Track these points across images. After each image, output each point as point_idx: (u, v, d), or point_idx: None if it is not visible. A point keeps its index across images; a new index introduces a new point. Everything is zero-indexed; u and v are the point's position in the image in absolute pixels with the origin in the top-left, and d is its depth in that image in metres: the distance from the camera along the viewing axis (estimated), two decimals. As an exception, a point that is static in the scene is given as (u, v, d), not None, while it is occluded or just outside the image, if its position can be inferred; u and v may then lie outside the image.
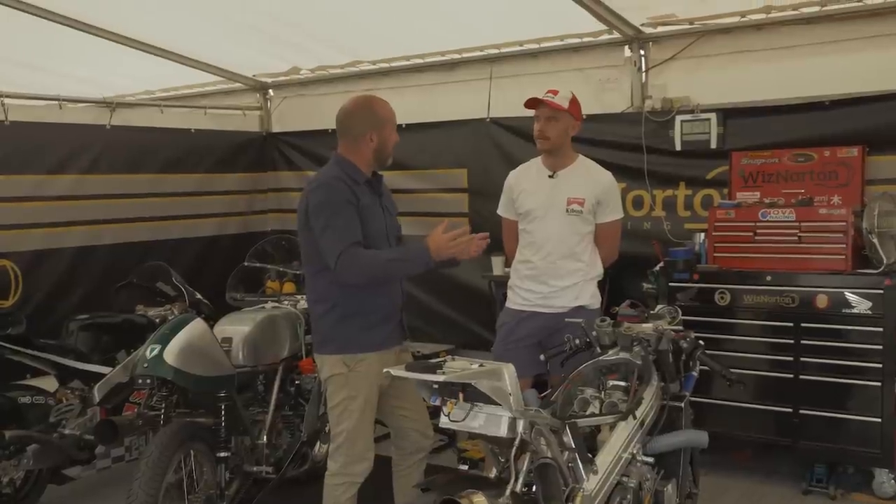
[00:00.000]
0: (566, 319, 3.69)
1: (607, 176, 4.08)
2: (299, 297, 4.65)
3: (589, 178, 4.03)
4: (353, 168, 3.45)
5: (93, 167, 6.20)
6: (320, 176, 3.49)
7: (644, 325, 3.39)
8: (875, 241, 4.35)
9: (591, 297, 4.02)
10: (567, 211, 3.95)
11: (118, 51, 6.36)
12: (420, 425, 3.66)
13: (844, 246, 4.43)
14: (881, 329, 4.31)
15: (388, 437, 3.82)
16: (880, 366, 4.32)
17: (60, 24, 5.78)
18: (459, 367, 2.36)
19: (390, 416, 3.67)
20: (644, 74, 5.62)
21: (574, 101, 3.98)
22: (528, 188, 4.06)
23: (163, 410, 3.97)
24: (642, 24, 5.39)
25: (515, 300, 4.09)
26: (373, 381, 3.41)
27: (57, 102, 6.05)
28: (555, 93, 3.93)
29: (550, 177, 4.01)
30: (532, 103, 3.99)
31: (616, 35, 5.53)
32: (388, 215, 3.57)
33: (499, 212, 4.25)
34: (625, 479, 2.83)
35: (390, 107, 3.55)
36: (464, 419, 2.41)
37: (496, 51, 6.06)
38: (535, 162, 4.15)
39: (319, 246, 3.31)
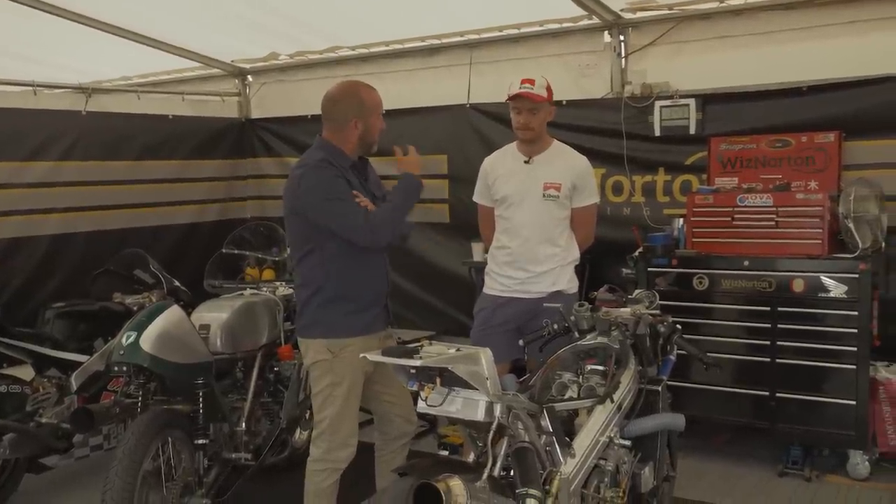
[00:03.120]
0: (544, 304, 3.70)
1: (582, 160, 4.06)
2: (278, 283, 4.64)
3: (564, 163, 4.01)
4: (338, 152, 3.43)
5: (69, 154, 6.14)
6: (306, 159, 3.45)
7: (622, 309, 3.41)
8: (851, 225, 4.40)
9: (568, 282, 4.02)
10: (543, 196, 3.94)
11: (94, 36, 6.27)
12: (404, 411, 3.67)
13: (821, 231, 4.46)
14: (856, 313, 4.35)
15: (370, 424, 3.82)
16: (855, 349, 4.37)
17: (35, 8, 5.69)
18: (436, 352, 2.36)
19: (375, 401, 3.67)
20: (623, 60, 5.62)
21: (549, 88, 3.97)
22: (503, 174, 4.05)
23: (140, 398, 3.93)
24: (622, 10, 5.39)
25: (493, 286, 4.09)
26: (357, 367, 3.40)
27: (31, 88, 5.97)
28: (531, 82, 3.89)
29: (526, 162, 4.00)
30: (514, 96, 3.90)
31: (595, 20, 5.53)
32: (376, 200, 3.53)
33: (474, 198, 4.24)
34: (602, 462, 2.84)
35: (377, 94, 3.53)
36: (441, 404, 2.41)
37: (476, 36, 6.04)
38: (509, 148, 4.14)
39: (333, 226, 3.31)
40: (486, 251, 4.28)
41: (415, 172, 3.51)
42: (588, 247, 4.19)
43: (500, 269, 4.04)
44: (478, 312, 4.14)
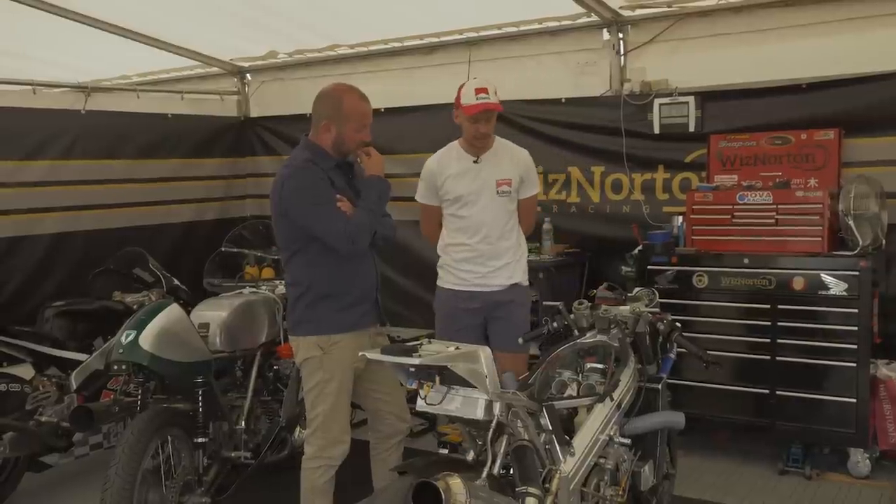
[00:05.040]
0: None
1: (525, 153, 4.17)
2: (277, 282, 4.63)
3: (511, 159, 4.11)
4: (322, 152, 3.41)
5: (68, 153, 6.14)
6: (291, 160, 3.45)
7: (622, 307, 3.41)
8: (851, 223, 4.39)
9: (522, 275, 4.16)
10: (497, 193, 4.04)
11: (93, 35, 6.28)
12: (396, 409, 3.66)
13: (821, 228, 4.45)
14: (856, 310, 4.34)
15: (366, 423, 3.82)
16: (855, 347, 4.36)
17: (34, 7, 5.69)
18: (435, 350, 2.36)
19: (366, 399, 3.66)
20: (622, 58, 5.61)
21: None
22: (453, 175, 4.08)
23: (139, 397, 3.93)
24: (620, 7, 5.38)
25: (450, 279, 4.16)
26: (347, 364, 3.40)
27: (31, 87, 5.97)
28: (486, 91, 3.91)
29: (475, 162, 4.06)
30: (479, 111, 3.88)
31: (594, 18, 5.52)
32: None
33: (418, 199, 4.25)
34: (602, 460, 2.85)
35: (363, 105, 3.42)
36: (440, 402, 2.42)
37: (475, 34, 6.03)
38: (453, 147, 4.17)
39: (315, 230, 3.29)
40: (435, 247, 4.29)
41: (380, 173, 3.47)
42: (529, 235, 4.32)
43: (460, 265, 4.11)
44: (439, 308, 4.21)
